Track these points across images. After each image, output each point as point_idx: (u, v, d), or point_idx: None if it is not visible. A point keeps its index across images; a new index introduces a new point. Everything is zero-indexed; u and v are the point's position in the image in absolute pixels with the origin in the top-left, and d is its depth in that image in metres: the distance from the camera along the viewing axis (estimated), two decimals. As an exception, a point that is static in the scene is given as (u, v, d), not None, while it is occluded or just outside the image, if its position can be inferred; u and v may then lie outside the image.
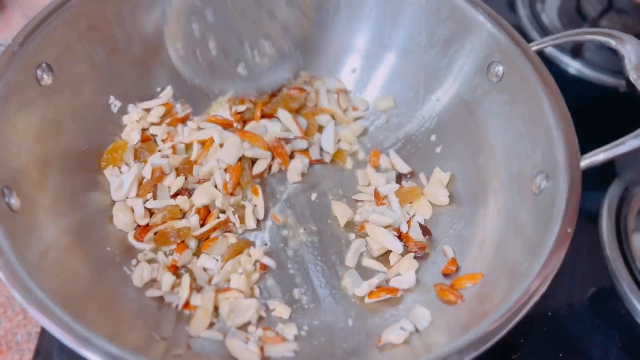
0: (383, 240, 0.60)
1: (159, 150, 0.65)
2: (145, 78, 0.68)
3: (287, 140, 0.67)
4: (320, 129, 0.70)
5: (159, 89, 0.69)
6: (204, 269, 0.58)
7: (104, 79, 0.64)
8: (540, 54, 0.58)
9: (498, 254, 0.54)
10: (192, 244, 0.59)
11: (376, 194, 0.64)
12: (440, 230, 0.62)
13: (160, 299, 0.55)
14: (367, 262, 0.60)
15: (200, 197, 0.60)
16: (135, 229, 0.59)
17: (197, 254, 0.59)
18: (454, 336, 0.47)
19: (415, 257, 0.59)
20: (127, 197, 0.61)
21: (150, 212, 0.60)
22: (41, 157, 0.55)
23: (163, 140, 0.66)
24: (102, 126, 0.64)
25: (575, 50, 0.79)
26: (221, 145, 0.64)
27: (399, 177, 0.67)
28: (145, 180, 0.61)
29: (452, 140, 0.67)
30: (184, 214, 0.61)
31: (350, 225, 0.63)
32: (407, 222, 0.62)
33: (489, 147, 0.62)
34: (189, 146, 0.66)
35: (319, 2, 0.70)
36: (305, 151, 0.68)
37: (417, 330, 0.52)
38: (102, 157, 0.62)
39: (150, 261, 0.58)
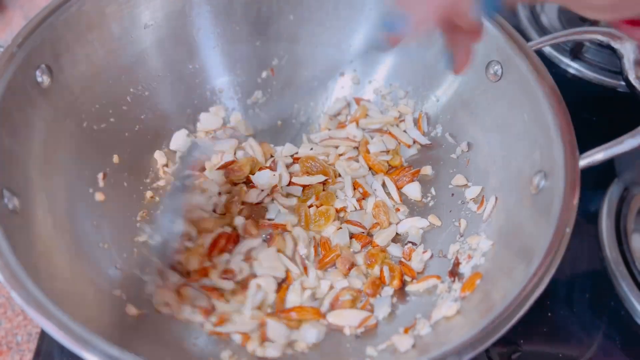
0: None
1: None
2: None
3: None
4: None
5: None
6: None
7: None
8: (540, 54, 0.58)
9: (496, 253, 0.54)
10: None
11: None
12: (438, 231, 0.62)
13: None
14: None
15: None
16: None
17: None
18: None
19: None
20: None
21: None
22: (41, 158, 0.55)
23: None
24: (102, 127, 0.64)
25: (575, 51, 0.79)
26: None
27: None
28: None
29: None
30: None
31: None
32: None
33: (488, 146, 0.62)
34: None
35: (318, 2, 0.70)
36: None
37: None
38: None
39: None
